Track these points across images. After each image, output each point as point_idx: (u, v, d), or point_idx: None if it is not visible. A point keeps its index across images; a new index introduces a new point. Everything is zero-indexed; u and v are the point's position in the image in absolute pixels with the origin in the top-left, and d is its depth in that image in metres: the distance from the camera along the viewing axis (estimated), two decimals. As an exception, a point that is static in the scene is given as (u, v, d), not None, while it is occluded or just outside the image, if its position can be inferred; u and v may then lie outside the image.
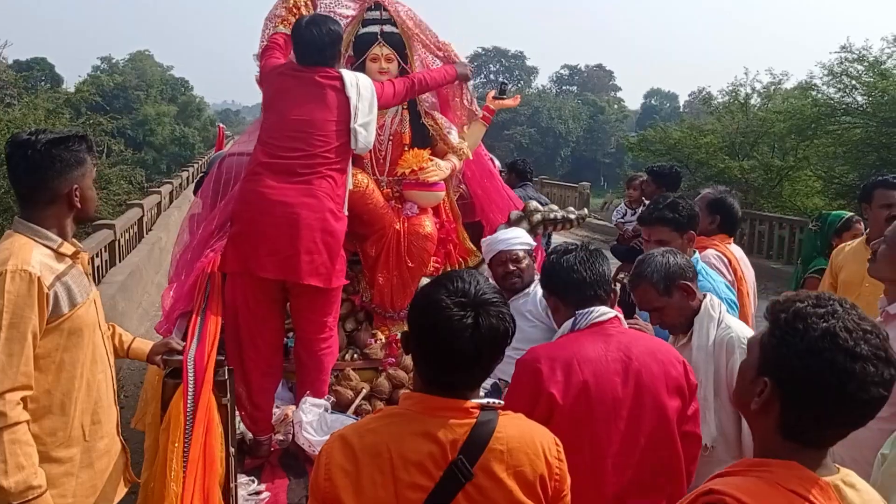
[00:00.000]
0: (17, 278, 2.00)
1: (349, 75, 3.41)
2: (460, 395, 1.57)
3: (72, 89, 19.91)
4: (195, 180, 4.57)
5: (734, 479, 1.31)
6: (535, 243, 3.60)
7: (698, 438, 2.20)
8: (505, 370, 3.17)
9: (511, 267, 3.45)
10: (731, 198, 3.63)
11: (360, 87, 3.39)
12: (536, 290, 3.45)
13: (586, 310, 2.16)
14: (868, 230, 3.66)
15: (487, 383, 3.16)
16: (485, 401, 1.59)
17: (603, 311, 2.17)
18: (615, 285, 2.36)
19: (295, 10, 3.74)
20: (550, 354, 2.11)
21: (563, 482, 1.61)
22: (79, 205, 2.20)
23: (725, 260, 3.37)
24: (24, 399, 2.00)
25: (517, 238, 3.54)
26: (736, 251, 3.50)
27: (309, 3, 3.85)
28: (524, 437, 1.58)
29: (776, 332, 1.33)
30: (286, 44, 3.61)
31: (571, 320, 2.18)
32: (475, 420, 1.54)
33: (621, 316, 2.23)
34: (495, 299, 1.57)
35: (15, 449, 1.95)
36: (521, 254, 3.49)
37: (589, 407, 2.02)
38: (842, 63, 12.87)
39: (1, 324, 1.95)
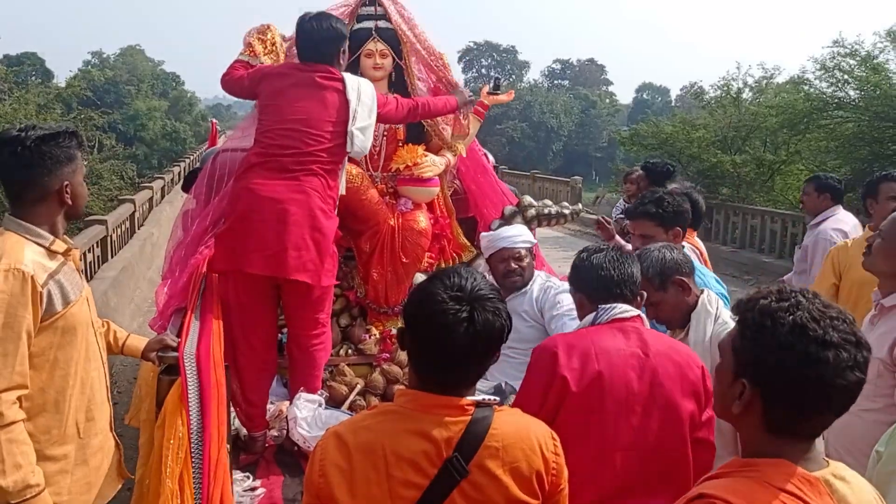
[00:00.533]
0: (11, 277, 1.98)
1: (352, 79, 3.39)
2: (455, 392, 1.57)
3: (63, 84, 19.80)
4: (185, 176, 4.53)
5: (724, 482, 1.32)
6: (535, 241, 3.60)
7: (712, 446, 2.18)
8: (506, 371, 3.19)
9: (513, 265, 3.44)
10: (696, 193, 3.91)
11: (361, 92, 3.37)
12: (533, 288, 3.44)
13: (609, 305, 2.18)
14: (873, 224, 3.72)
15: (487, 385, 3.16)
16: (480, 397, 1.59)
17: (626, 309, 2.19)
18: None
19: (269, 47, 3.75)
20: (569, 342, 2.14)
21: (560, 476, 1.62)
22: (70, 201, 2.18)
23: (697, 252, 3.47)
24: (19, 398, 1.99)
25: (520, 236, 3.53)
26: (700, 244, 3.68)
27: (283, 45, 3.84)
28: (520, 432, 1.58)
29: (746, 332, 1.34)
30: (245, 70, 3.60)
31: (593, 314, 2.20)
32: (470, 417, 1.55)
33: (644, 316, 2.24)
34: (491, 295, 1.57)
35: (12, 448, 1.95)
36: (523, 252, 3.47)
37: (601, 397, 2.04)
38: (834, 57, 12.87)
39: None
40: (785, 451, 1.31)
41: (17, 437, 1.97)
